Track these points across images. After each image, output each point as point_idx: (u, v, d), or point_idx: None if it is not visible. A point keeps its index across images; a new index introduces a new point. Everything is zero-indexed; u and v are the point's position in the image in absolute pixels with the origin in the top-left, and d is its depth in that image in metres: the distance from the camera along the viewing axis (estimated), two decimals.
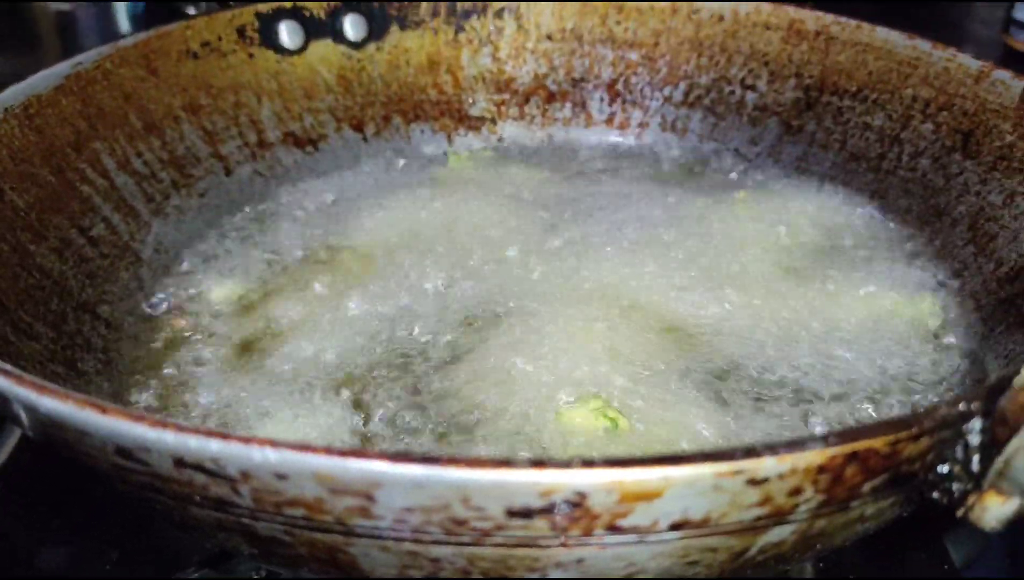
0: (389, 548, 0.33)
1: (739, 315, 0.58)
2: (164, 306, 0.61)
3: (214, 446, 0.30)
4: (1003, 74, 0.62)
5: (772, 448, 0.29)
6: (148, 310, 0.61)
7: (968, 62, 0.65)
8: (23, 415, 0.35)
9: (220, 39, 0.74)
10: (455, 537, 0.31)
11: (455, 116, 0.83)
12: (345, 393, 0.53)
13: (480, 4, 0.82)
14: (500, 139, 0.83)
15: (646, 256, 0.63)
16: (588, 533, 0.31)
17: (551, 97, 0.84)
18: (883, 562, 0.62)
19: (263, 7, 0.76)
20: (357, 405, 0.52)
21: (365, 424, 0.51)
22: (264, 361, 0.56)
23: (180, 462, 0.31)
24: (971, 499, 0.33)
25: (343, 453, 0.29)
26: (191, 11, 1.11)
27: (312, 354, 0.56)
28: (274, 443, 0.29)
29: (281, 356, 0.56)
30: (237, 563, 0.57)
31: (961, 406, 0.31)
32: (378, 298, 0.60)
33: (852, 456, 0.30)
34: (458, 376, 0.53)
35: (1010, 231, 0.58)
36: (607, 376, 0.52)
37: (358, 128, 0.81)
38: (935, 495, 0.34)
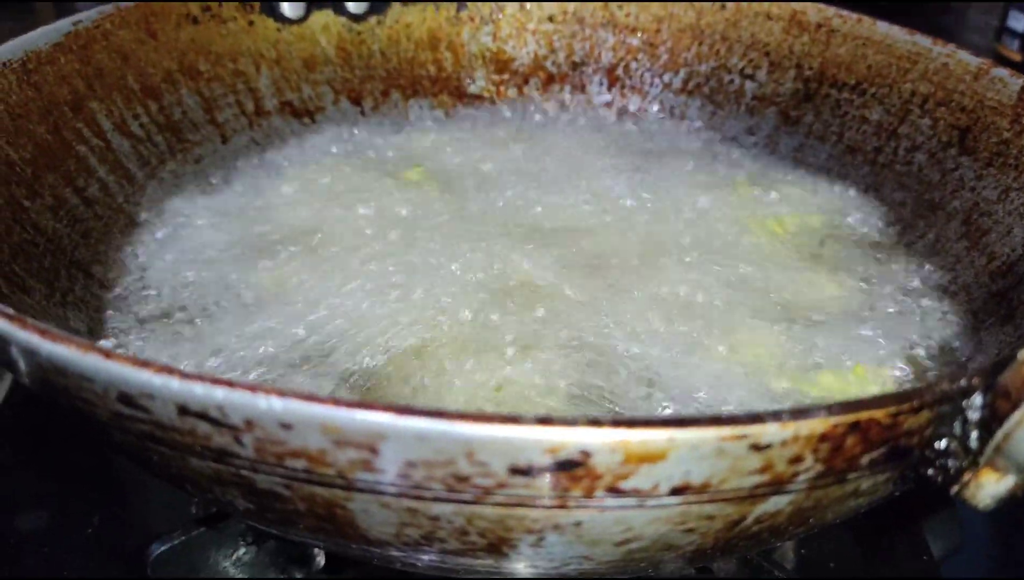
0: (389, 504, 0.33)
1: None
2: (157, 269, 0.61)
3: (219, 393, 0.30)
4: (1002, 72, 0.63)
5: (776, 415, 0.29)
6: (141, 271, 0.60)
7: (967, 59, 0.66)
8: (21, 361, 0.35)
9: (221, 5, 0.73)
10: (456, 494, 0.31)
11: (454, 93, 0.83)
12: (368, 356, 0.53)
13: None
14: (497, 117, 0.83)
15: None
16: (589, 494, 0.31)
17: (551, 79, 0.84)
18: (863, 554, 0.63)
19: None
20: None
21: None
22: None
23: (184, 409, 0.31)
24: (967, 476, 0.33)
25: (350, 404, 0.29)
26: None
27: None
28: (281, 392, 0.29)
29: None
30: (222, 527, 0.57)
31: (963, 381, 0.31)
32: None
33: (854, 426, 0.30)
34: None
35: (1004, 226, 0.59)
36: None
37: (356, 101, 0.80)
38: (930, 472, 0.34)
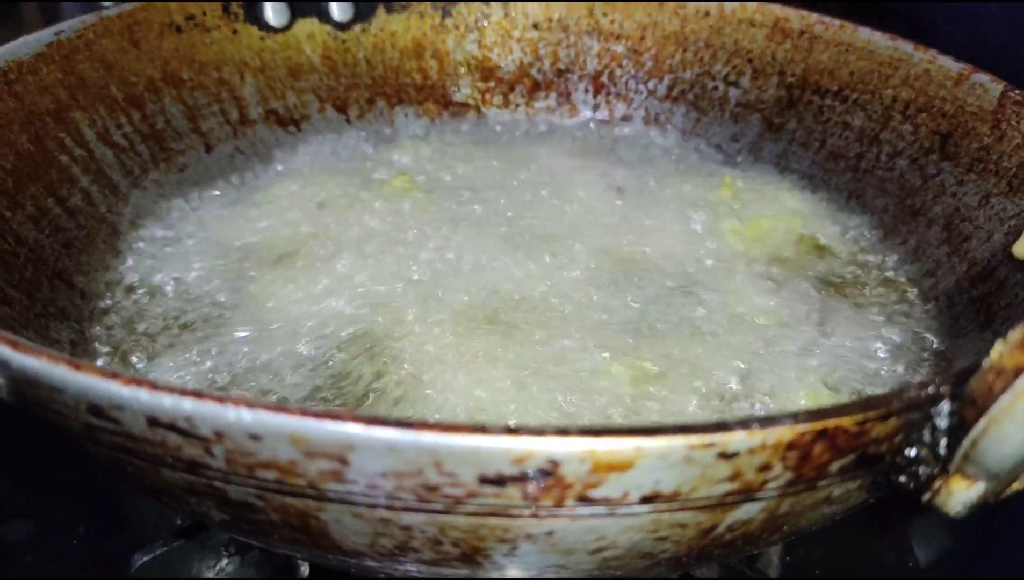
0: (361, 515, 0.33)
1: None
2: (139, 279, 0.61)
3: (188, 405, 0.30)
4: (982, 77, 0.63)
5: (744, 423, 0.30)
6: (124, 282, 0.60)
7: (948, 64, 0.66)
8: None
9: (204, 13, 0.73)
10: (427, 504, 0.31)
11: (439, 101, 0.83)
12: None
13: None
14: (481, 125, 0.83)
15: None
16: (559, 503, 0.31)
17: (536, 86, 0.85)
18: (848, 559, 0.63)
19: None
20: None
21: None
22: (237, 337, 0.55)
23: (153, 421, 0.31)
24: (937, 483, 0.33)
25: (318, 414, 0.29)
26: None
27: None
28: (249, 403, 0.29)
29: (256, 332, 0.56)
30: (205, 538, 0.57)
31: (930, 388, 0.31)
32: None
33: (821, 433, 0.30)
34: None
35: (984, 232, 0.59)
36: None
37: (342, 109, 0.80)
38: (902, 479, 0.34)
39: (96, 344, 0.55)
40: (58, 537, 0.61)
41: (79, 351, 0.54)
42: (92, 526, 0.61)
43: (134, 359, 0.54)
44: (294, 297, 0.58)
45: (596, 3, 0.82)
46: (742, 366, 0.54)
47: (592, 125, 0.83)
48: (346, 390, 0.51)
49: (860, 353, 0.56)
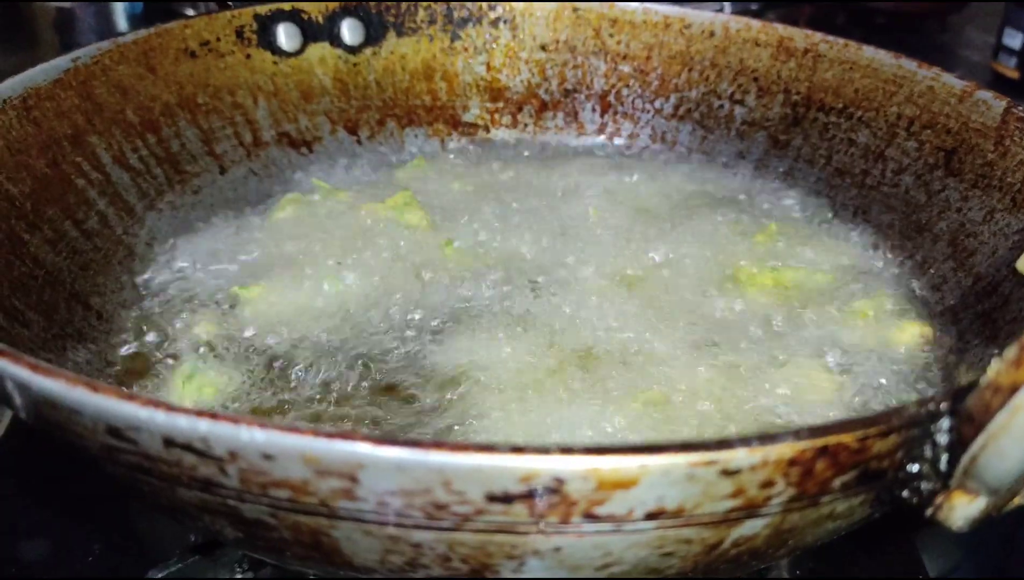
0: (371, 532, 0.33)
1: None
2: (156, 300, 0.62)
3: (203, 426, 0.30)
4: (986, 94, 0.64)
5: (745, 440, 0.30)
6: (140, 303, 0.61)
7: (952, 82, 0.66)
8: (16, 395, 0.36)
9: (219, 39, 0.75)
10: (436, 522, 0.32)
11: (449, 122, 0.85)
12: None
13: (476, 13, 0.84)
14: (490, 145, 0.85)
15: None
16: (566, 520, 0.31)
17: (544, 106, 0.86)
18: (858, 569, 0.63)
19: (262, 9, 0.77)
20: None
21: None
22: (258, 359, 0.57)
23: (169, 441, 0.31)
24: (939, 498, 0.34)
25: (329, 435, 0.30)
26: (190, 12, 1.12)
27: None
28: (262, 423, 0.30)
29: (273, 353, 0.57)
30: (219, 555, 0.57)
31: (930, 405, 0.32)
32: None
33: (822, 450, 0.31)
34: None
35: (989, 247, 0.59)
36: None
37: (353, 131, 0.82)
38: (905, 494, 0.35)
39: (112, 363, 0.56)
40: (74, 555, 0.61)
41: (96, 371, 0.55)
42: (107, 544, 0.62)
43: (150, 377, 0.55)
44: (295, 315, 0.60)
45: (603, 24, 0.83)
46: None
47: (599, 145, 0.84)
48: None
49: (865, 368, 0.56)
